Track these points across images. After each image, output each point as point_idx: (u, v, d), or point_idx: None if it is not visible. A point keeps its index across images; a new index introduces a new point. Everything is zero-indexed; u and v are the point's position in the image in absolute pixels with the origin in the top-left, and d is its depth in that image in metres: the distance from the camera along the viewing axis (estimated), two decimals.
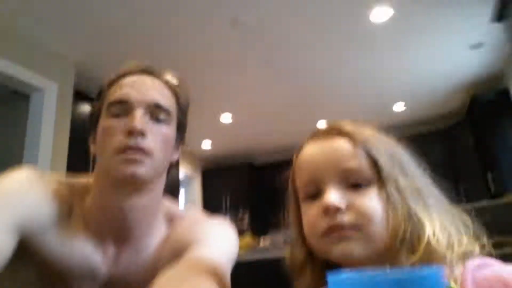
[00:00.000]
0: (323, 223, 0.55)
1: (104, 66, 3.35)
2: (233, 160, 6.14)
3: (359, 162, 0.57)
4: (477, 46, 3.58)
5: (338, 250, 0.54)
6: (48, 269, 0.68)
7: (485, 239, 0.55)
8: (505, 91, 4.10)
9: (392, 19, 3.08)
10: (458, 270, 0.51)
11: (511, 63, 3.84)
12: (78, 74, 3.37)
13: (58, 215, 0.69)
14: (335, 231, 0.54)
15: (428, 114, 5.13)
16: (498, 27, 3.11)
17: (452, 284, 0.31)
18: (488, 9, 3.02)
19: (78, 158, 3.10)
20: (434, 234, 0.52)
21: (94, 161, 0.75)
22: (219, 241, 0.70)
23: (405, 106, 4.80)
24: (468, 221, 0.57)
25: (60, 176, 0.77)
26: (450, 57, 3.77)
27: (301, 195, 0.62)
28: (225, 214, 5.81)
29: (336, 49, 3.51)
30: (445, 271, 0.50)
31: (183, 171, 5.61)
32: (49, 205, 0.68)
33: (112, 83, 0.74)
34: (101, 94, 0.75)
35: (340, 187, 0.56)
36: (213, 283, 0.55)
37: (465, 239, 0.54)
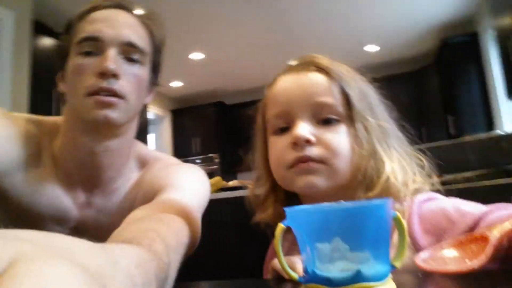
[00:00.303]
0: (291, 155, 0.57)
1: None
2: (204, 100, 6.06)
3: (333, 98, 0.58)
4: None
5: (302, 181, 0.57)
6: (16, 210, 0.68)
7: (435, 178, 0.61)
8: (475, 35, 4.12)
9: None
10: (407, 204, 0.56)
11: (483, 7, 3.84)
12: (36, 3, 3.10)
13: (27, 156, 0.68)
14: (302, 163, 0.56)
15: (399, 56, 5.15)
16: None
17: (399, 215, 0.35)
18: None
19: (41, 97, 2.95)
20: (392, 173, 0.56)
21: (60, 101, 0.72)
22: (191, 185, 0.70)
23: (377, 47, 4.79)
24: (424, 162, 0.61)
25: (26, 114, 0.74)
26: None
27: (270, 128, 0.63)
28: (195, 155, 5.83)
29: None
30: (395, 204, 0.55)
31: (153, 111, 5.51)
32: (17, 145, 0.66)
33: (82, 16, 0.68)
34: (70, 28, 0.69)
35: (311, 121, 0.58)
36: (183, 222, 0.57)
37: (418, 178, 0.59)
